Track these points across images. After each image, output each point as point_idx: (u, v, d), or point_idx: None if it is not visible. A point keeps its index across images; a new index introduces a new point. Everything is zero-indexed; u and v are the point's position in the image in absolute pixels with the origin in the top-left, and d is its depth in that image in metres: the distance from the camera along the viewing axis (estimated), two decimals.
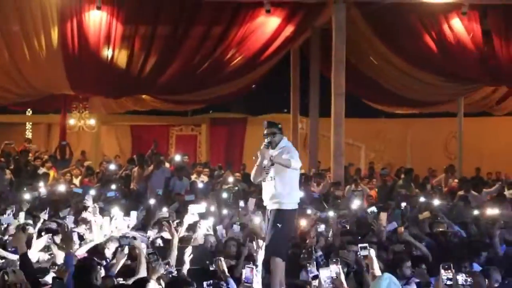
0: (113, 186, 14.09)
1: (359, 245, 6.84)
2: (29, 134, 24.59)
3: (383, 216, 9.10)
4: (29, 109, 23.46)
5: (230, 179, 15.54)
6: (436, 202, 11.89)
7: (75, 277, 6.25)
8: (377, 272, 6.36)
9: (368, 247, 6.72)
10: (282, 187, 7.66)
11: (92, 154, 22.23)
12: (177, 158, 17.46)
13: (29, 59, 16.00)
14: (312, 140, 20.14)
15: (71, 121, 20.12)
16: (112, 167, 17.64)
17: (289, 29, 16.43)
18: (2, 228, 9.27)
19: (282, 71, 20.57)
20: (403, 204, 11.96)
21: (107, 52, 15.94)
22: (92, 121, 20.63)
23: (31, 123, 24.88)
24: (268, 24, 16.22)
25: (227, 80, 17.96)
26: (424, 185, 15.84)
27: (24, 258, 6.69)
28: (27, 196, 11.75)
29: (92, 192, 12.63)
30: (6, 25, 15.29)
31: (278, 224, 7.62)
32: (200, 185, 14.83)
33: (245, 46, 16.43)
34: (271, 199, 7.75)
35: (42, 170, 15.99)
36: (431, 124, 23.92)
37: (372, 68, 19.26)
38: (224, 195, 13.07)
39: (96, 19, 15.42)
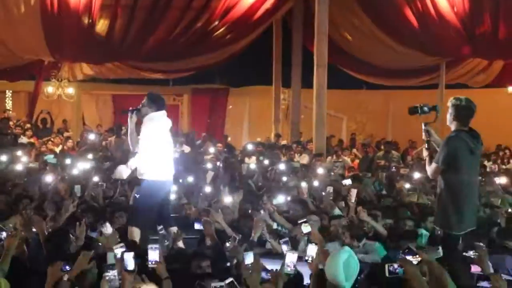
0: (90, 155, 14.10)
1: (299, 221, 6.78)
2: (9, 102, 24.36)
3: (353, 192, 9.09)
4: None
5: (212, 149, 15.54)
6: (416, 174, 11.98)
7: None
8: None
9: (308, 223, 6.68)
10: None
11: (74, 123, 22.14)
12: None
13: (6, 20, 15.72)
14: (294, 111, 20.20)
15: (49, 89, 19.94)
16: (92, 136, 17.58)
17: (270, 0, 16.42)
18: None
19: (265, 42, 20.53)
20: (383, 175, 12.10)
21: (88, 20, 15.77)
22: (70, 90, 20.44)
23: (11, 91, 24.64)
24: None
25: (210, 50, 17.96)
26: (405, 157, 15.99)
27: None
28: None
29: (68, 160, 12.67)
30: None
31: (136, 195, 7.85)
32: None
33: (228, 16, 16.40)
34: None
35: (23, 139, 15.88)
36: (413, 96, 23.88)
37: (354, 41, 19.34)
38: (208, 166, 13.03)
39: None
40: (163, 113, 7.68)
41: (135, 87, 24.40)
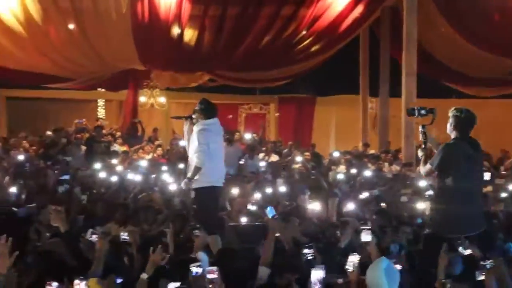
0: (181, 165, 14.36)
1: (362, 227, 6.84)
2: (101, 111, 25.12)
3: None
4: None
5: (299, 158, 15.56)
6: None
7: None
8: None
9: (369, 232, 6.68)
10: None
11: (163, 131, 22.58)
12: (247, 136, 17.57)
13: (100, 32, 16.27)
14: (382, 121, 20.01)
15: (142, 99, 20.44)
16: (182, 143, 17.87)
17: (359, 9, 16.31)
18: None
19: (352, 51, 20.44)
20: None
21: (177, 30, 16.09)
22: (162, 99, 20.90)
23: (103, 100, 25.40)
24: (338, 4, 16.11)
25: (298, 60, 17.99)
26: (498, 167, 15.60)
27: None
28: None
29: (164, 168, 12.92)
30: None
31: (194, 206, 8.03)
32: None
33: (315, 26, 16.39)
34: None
35: (115, 147, 16.33)
36: (504, 106, 23.37)
37: (442, 49, 19.03)
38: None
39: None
40: (214, 121, 7.82)
41: (222, 96, 24.72)
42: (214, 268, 5.30)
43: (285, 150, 17.69)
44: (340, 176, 12.93)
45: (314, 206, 9.69)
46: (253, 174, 13.28)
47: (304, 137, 24.22)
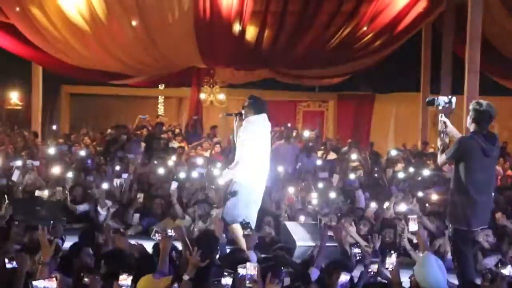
0: None
1: (409, 216, 6.81)
2: (161, 108, 25.41)
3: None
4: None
5: (354, 156, 15.39)
6: None
7: None
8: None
9: (416, 222, 6.73)
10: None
11: (222, 128, 22.67)
12: (306, 134, 17.49)
13: (162, 29, 16.37)
14: None
15: (201, 96, 20.57)
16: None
17: (421, 4, 16.01)
18: None
19: (412, 47, 20.11)
20: None
21: (238, 27, 16.08)
22: (222, 96, 20.98)
23: (163, 97, 25.68)
24: None
25: (358, 57, 17.81)
26: None
27: None
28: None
29: (218, 165, 12.99)
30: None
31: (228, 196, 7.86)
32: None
33: (376, 22, 16.15)
34: None
35: (174, 144, 16.46)
36: None
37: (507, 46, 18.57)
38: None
39: None
40: (263, 117, 7.79)
41: (280, 93, 24.71)
42: (254, 264, 5.34)
43: (344, 149, 17.54)
44: (400, 175, 12.75)
45: (371, 205, 9.64)
46: (309, 172, 13.19)
47: (362, 135, 24.02)
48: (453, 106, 7.09)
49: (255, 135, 7.70)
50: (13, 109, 24.95)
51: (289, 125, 18.08)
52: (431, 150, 18.41)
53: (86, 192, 10.89)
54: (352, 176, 12.62)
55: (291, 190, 10.66)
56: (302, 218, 9.19)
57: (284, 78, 20.68)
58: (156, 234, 6.62)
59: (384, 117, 24.68)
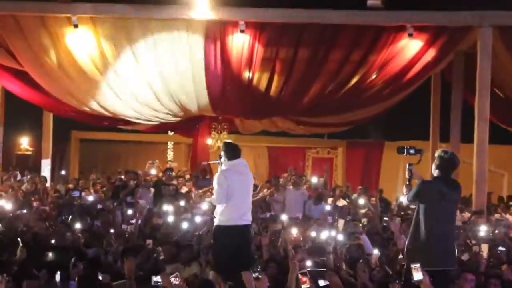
0: None
1: (412, 265, 6.79)
2: (170, 154, 25.49)
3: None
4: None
5: (361, 201, 15.32)
6: None
7: None
8: None
9: (419, 269, 6.71)
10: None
11: None
12: (314, 180, 17.45)
13: (176, 79, 16.51)
14: None
15: (209, 141, 20.60)
16: None
17: (431, 53, 16.01)
18: None
19: (421, 95, 20.14)
20: None
21: (248, 74, 16.17)
22: None
23: (172, 143, 25.78)
24: (410, 48, 15.85)
25: (366, 105, 17.84)
26: None
27: None
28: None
29: None
30: (155, 49, 15.86)
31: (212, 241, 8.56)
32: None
33: (385, 70, 16.17)
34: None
35: (184, 189, 16.46)
36: None
37: None
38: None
39: (239, 42, 15.67)
40: (237, 162, 8.34)
41: (289, 140, 24.76)
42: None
43: (354, 195, 17.47)
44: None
45: (374, 252, 9.67)
46: (318, 219, 13.15)
47: (371, 182, 23.94)
48: (421, 156, 7.66)
49: (230, 179, 8.16)
50: (24, 154, 25.08)
51: (293, 168, 18.13)
52: None
53: (95, 237, 10.93)
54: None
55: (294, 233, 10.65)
56: (309, 263, 9.07)
57: (295, 129, 20.71)
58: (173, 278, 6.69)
59: (393, 165, 24.58)
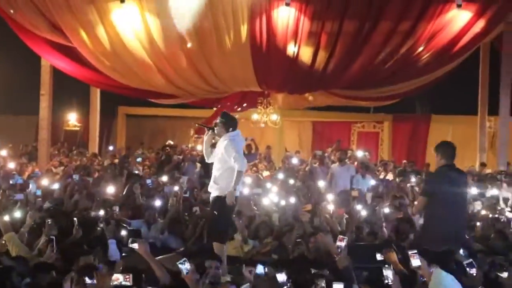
0: (292, 180, 14.57)
1: (410, 251, 6.69)
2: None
3: None
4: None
5: (413, 179, 15.22)
6: None
7: None
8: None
9: (416, 256, 6.56)
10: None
11: (276, 148, 22.67)
12: (359, 154, 17.35)
13: (218, 54, 16.37)
14: (501, 140, 19.26)
15: (255, 116, 20.60)
16: (295, 160, 17.98)
17: (480, 24, 15.66)
18: None
19: (470, 67, 19.77)
20: None
21: (293, 49, 16.03)
22: (275, 117, 20.98)
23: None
24: (458, 19, 15.50)
25: (413, 77, 17.59)
26: None
27: None
28: None
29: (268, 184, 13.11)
30: (199, 21, 15.77)
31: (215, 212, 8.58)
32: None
33: (433, 42, 15.86)
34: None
35: None
36: None
37: None
38: None
39: (284, 16, 15.47)
40: (236, 133, 8.63)
41: (335, 114, 24.63)
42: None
43: (399, 169, 17.35)
44: None
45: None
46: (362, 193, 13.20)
47: (417, 156, 23.72)
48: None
49: (234, 150, 8.40)
50: (72, 130, 25.47)
51: (340, 141, 18.03)
52: (488, 171, 18.16)
53: (138, 210, 11.10)
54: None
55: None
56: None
57: (338, 101, 20.55)
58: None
59: (440, 138, 24.19)
